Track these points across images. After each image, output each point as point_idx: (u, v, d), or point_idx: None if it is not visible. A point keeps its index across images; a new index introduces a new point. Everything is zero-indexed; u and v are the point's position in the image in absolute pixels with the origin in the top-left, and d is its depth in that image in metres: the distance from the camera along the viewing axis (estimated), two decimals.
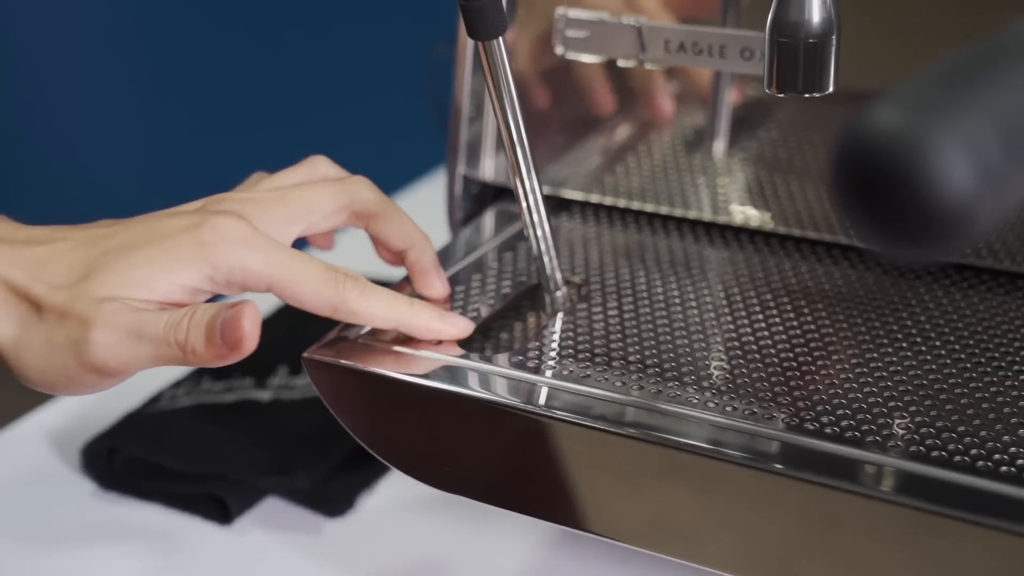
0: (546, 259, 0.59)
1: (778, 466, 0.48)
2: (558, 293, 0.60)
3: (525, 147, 0.55)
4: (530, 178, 0.56)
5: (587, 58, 0.66)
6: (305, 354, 0.56)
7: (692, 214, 0.67)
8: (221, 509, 0.68)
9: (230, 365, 0.77)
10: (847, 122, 0.34)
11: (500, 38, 0.52)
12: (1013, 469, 0.47)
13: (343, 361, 0.55)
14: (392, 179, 1.11)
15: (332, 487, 0.68)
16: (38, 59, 2.01)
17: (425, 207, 1.07)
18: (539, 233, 0.58)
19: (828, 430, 0.50)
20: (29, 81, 2.06)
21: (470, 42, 0.67)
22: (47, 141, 2.17)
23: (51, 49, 1.98)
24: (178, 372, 0.77)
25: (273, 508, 0.69)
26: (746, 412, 0.51)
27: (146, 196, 2.10)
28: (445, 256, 0.66)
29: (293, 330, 0.82)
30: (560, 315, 0.59)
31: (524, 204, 0.57)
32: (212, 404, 0.73)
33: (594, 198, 0.70)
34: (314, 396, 0.74)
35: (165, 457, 0.69)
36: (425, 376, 0.54)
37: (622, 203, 0.69)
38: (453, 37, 1.09)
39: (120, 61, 2.00)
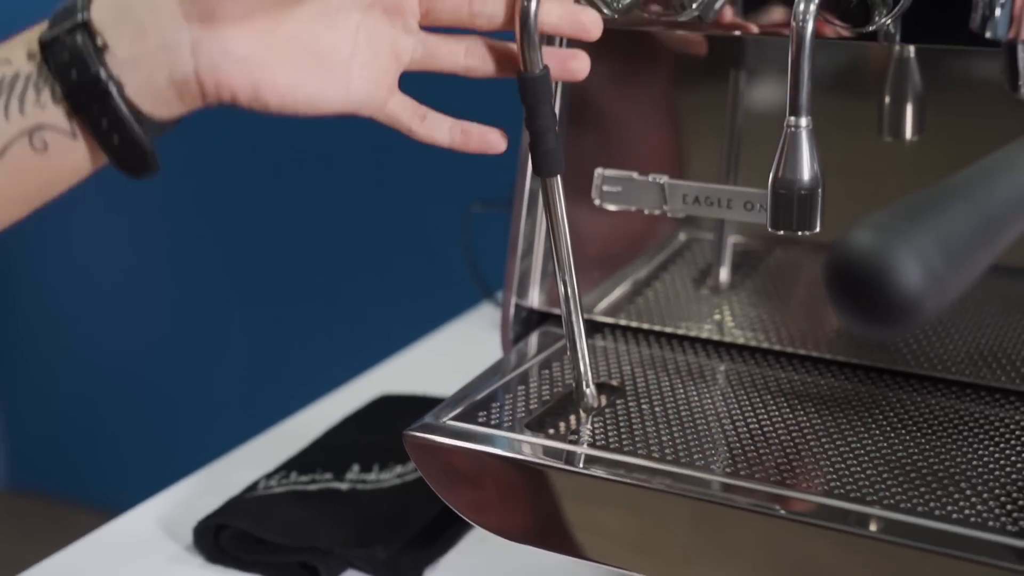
0: (581, 365, 0.73)
1: (783, 512, 0.63)
2: (588, 390, 0.74)
3: (571, 263, 0.70)
4: (574, 295, 0.71)
5: (619, 208, 0.82)
6: (406, 432, 0.71)
7: (704, 335, 0.83)
8: None
9: (312, 462, 0.91)
10: (836, 241, 0.50)
11: (558, 176, 0.68)
12: (966, 516, 0.62)
13: (438, 439, 0.70)
14: (427, 319, 1.27)
15: (404, 559, 0.82)
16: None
17: (463, 340, 1.22)
18: (577, 344, 0.73)
19: (821, 488, 0.65)
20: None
21: (525, 194, 0.83)
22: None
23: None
24: (270, 466, 0.91)
25: None
26: (756, 476, 0.66)
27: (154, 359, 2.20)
28: (500, 369, 0.81)
29: (360, 437, 0.97)
30: (606, 408, 0.74)
31: (566, 314, 0.72)
32: (300, 491, 0.87)
33: (622, 321, 0.85)
34: (384, 488, 0.88)
35: (266, 532, 0.82)
36: (504, 449, 0.69)
37: (645, 326, 0.84)
38: (489, 197, 1.26)
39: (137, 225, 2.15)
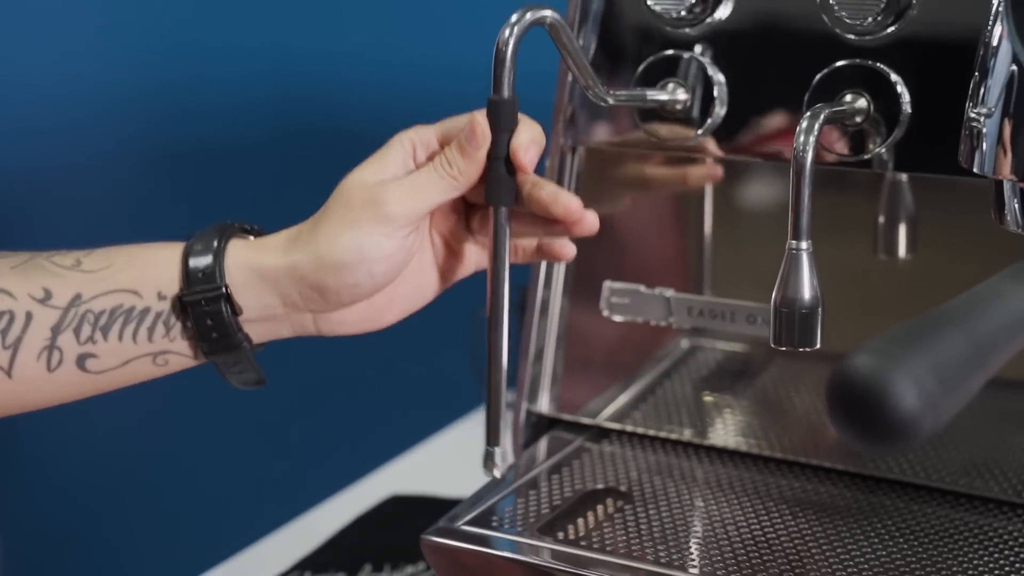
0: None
1: None
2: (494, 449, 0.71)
3: (507, 291, 0.73)
4: (504, 322, 0.73)
5: (626, 319, 0.85)
6: (423, 536, 0.73)
7: (708, 442, 0.86)
8: None
9: (325, 562, 0.94)
10: (837, 365, 0.53)
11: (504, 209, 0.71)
12: None
13: (454, 543, 0.73)
14: (431, 419, 1.30)
15: None
16: None
17: (468, 441, 1.25)
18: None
19: None
20: None
21: (537, 302, 0.87)
22: None
23: None
24: (282, 566, 0.94)
25: None
26: None
27: None
28: (511, 474, 0.84)
29: (372, 538, 1.00)
30: (614, 514, 0.77)
31: (492, 340, 0.73)
32: None
33: (628, 427, 0.88)
34: None
35: None
36: (517, 553, 0.72)
37: (651, 432, 0.88)
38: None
39: None
